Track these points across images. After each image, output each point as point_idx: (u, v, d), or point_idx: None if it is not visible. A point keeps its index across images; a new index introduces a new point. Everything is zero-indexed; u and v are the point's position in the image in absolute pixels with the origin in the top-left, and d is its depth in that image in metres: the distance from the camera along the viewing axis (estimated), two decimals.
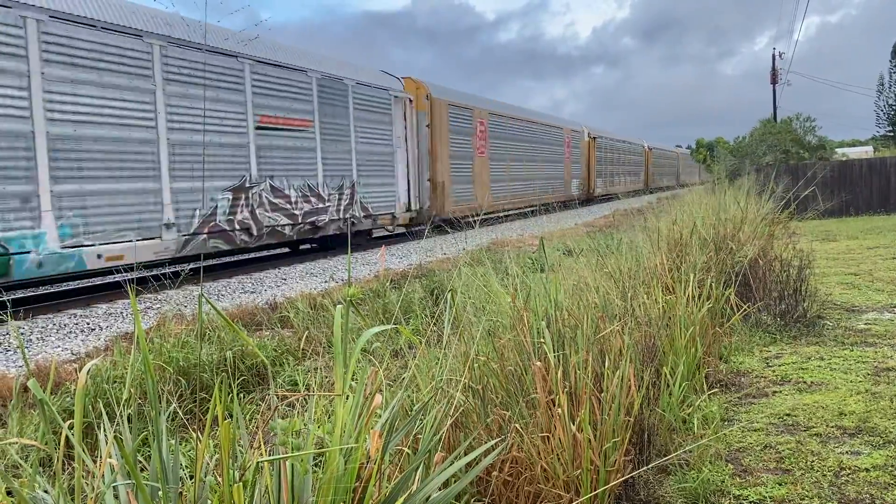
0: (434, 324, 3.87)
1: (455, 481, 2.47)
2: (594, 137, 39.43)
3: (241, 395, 5.30)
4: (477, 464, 2.57)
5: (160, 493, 1.66)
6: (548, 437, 3.13)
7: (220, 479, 1.69)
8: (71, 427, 1.62)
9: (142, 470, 2.32)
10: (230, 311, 8.41)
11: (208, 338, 6.33)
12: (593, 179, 39.19)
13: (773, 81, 44.64)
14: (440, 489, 2.40)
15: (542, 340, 3.39)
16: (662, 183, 59.54)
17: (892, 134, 74.11)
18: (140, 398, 4.21)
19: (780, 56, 44.92)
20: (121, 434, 1.88)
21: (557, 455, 3.07)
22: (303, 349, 6.25)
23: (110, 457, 1.75)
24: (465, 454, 2.58)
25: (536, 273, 5.88)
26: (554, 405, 3.15)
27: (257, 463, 1.71)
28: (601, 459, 3.13)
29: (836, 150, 47.34)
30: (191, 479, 1.98)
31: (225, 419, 1.71)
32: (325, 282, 11.96)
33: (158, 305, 9.98)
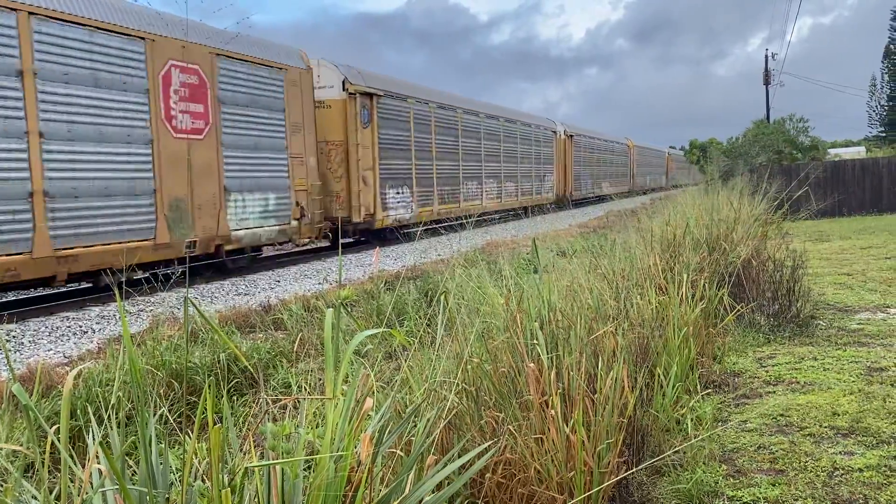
0: (428, 325, 3.85)
1: (448, 484, 2.46)
2: (370, 95, 17.61)
3: (235, 397, 5.28)
4: (470, 466, 2.56)
5: (148, 497, 1.65)
6: (541, 438, 3.12)
7: (209, 484, 1.67)
8: (58, 432, 1.60)
9: (133, 474, 2.30)
10: (224, 314, 8.38)
11: (201, 340, 6.30)
12: (372, 196, 17.67)
13: (766, 82, 44.77)
14: (433, 492, 2.38)
15: (535, 342, 3.38)
16: (605, 190, 41.95)
17: (884, 134, 74.45)
18: (131, 402, 4.18)
19: (772, 57, 45.05)
20: (108, 438, 1.87)
21: (551, 457, 3.06)
22: (296, 351, 6.23)
23: (98, 462, 1.73)
24: (459, 456, 2.57)
25: (530, 274, 5.88)
26: (547, 406, 3.14)
27: (246, 468, 1.70)
28: (595, 461, 3.12)
29: (829, 150, 47.51)
30: (180, 483, 1.97)
31: (216, 423, 1.70)
32: (319, 283, 11.93)
33: (151, 308, 9.94)
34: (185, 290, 11.39)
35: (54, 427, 1.67)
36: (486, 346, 3.54)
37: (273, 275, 13.46)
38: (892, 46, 77.97)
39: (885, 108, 79.18)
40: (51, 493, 2.16)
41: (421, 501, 2.24)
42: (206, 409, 1.71)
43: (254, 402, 5.02)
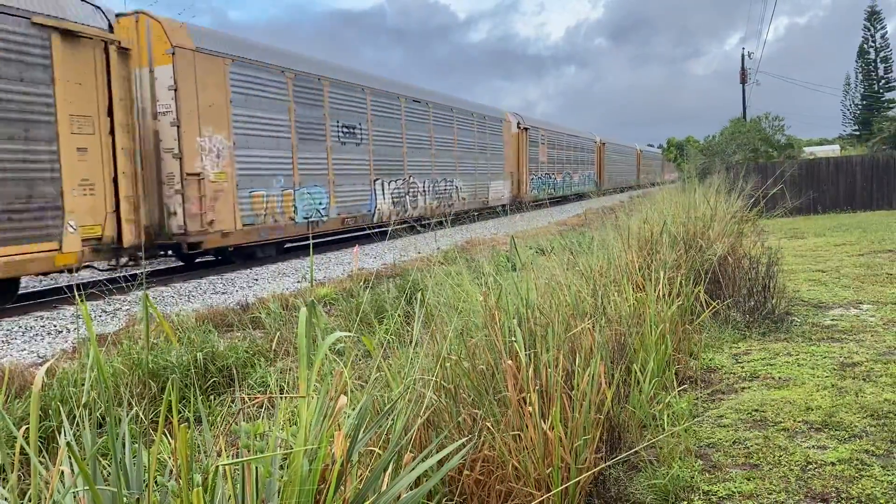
0: (407, 323, 3.85)
1: (426, 480, 2.46)
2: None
3: (212, 396, 5.24)
4: (447, 462, 2.56)
5: (119, 498, 1.63)
6: (519, 435, 3.13)
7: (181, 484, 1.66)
8: (27, 433, 1.58)
9: (109, 475, 2.28)
10: (201, 313, 8.31)
11: (178, 339, 6.24)
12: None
13: (743, 81, 45.27)
14: (410, 488, 2.38)
15: (513, 339, 3.39)
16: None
17: (858, 133, 75.65)
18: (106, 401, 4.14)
19: (749, 56, 45.60)
20: (80, 438, 1.84)
21: (528, 453, 3.07)
22: (274, 350, 6.20)
23: (70, 462, 1.71)
24: (437, 452, 2.57)
25: (509, 271, 5.89)
26: (525, 403, 3.16)
27: (217, 467, 1.68)
28: (572, 457, 3.14)
29: (804, 148, 48.09)
30: (156, 483, 1.95)
31: (187, 422, 1.68)
32: (298, 282, 11.88)
33: (128, 307, 9.84)
34: (163, 289, 11.28)
35: (23, 428, 1.64)
36: (465, 344, 3.54)
37: (251, 273, 13.37)
38: (866, 46, 79.25)
39: (859, 106, 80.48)
40: (24, 494, 2.13)
41: (398, 498, 2.24)
42: (182, 409, 1.69)
43: (231, 401, 4.99)
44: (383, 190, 19.42)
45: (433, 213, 21.71)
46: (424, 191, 22.22)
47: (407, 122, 21.03)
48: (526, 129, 33.08)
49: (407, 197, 20.92)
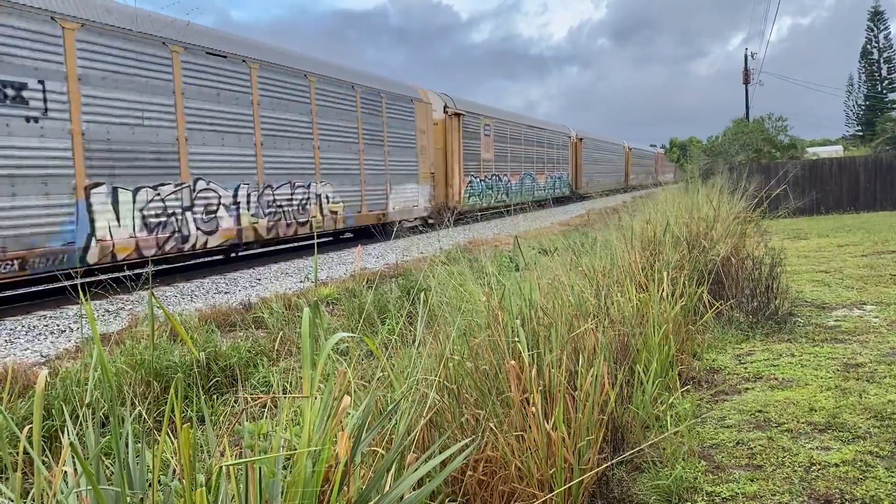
0: (409, 323, 3.85)
1: (429, 480, 2.45)
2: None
3: (215, 396, 5.24)
4: (451, 462, 2.56)
5: (122, 498, 1.63)
6: (522, 435, 3.13)
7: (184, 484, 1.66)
8: (30, 433, 1.58)
9: (112, 475, 2.28)
10: (204, 312, 8.32)
11: (181, 339, 6.25)
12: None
13: (746, 81, 45.23)
14: (413, 489, 2.38)
15: (516, 339, 3.39)
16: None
17: (861, 133, 75.56)
18: (109, 401, 4.13)
19: (752, 56, 45.58)
20: (83, 438, 1.84)
21: (532, 454, 3.07)
22: (277, 350, 6.20)
23: (73, 462, 1.71)
24: (440, 452, 2.57)
25: (512, 271, 5.89)
26: (528, 404, 3.15)
27: (220, 467, 1.68)
28: (575, 458, 3.14)
29: (807, 149, 48.00)
30: (159, 484, 1.95)
31: (190, 422, 1.68)
32: (301, 282, 11.89)
33: (130, 307, 9.85)
34: (166, 288, 11.30)
35: (26, 428, 1.64)
36: (468, 344, 3.54)
37: (253, 273, 13.38)
38: (869, 46, 79.17)
39: (862, 107, 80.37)
40: (27, 494, 2.13)
41: (401, 498, 2.24)
42: (185, 409, 1.69)
43: (235, 401, 4.99)
44: (117, 203, 10.97)
45: (262, 238, 14.21)
46: (236, 203, 13.47)
47: (190, 89, 12.31)
48: (458, 114, 24.57)
49: (187, 214, 12.33)
